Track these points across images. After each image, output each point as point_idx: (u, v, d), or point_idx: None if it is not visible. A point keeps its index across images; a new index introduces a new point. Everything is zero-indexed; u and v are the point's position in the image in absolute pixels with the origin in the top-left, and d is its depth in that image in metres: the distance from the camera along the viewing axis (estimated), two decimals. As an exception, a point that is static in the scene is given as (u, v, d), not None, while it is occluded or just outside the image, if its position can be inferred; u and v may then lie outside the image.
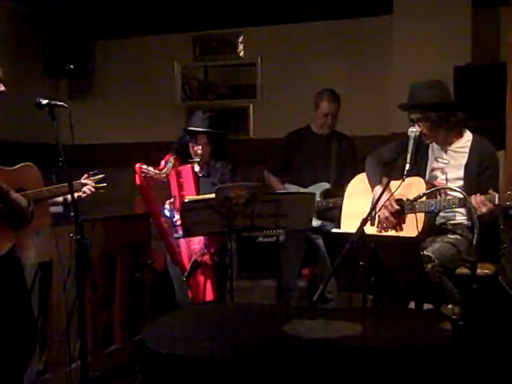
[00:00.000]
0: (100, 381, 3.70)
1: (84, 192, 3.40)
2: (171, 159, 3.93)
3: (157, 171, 3.86)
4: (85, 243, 2.87)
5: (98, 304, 3.81)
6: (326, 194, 4.40)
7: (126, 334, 4.11)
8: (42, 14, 5.54)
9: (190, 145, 4.01)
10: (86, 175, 3.49)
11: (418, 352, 1.99)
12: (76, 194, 3.19)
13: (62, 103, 3.07)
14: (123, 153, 5.84)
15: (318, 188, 4.40)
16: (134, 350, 4.09)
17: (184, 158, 4.00)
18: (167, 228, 3.80)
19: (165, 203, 3.90)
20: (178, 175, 3.97)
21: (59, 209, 3.58)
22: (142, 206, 4.89)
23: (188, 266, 3.80)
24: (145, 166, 3.81)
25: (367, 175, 3.71)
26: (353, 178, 4.03)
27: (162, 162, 3.92)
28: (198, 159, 3.99)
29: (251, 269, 4.87)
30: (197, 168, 4.04)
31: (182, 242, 3.83)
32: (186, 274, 3.79)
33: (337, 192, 4.31)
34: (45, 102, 3.03)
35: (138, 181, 3.79)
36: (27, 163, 3.12)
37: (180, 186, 3.95)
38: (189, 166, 4.01)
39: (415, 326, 2.29)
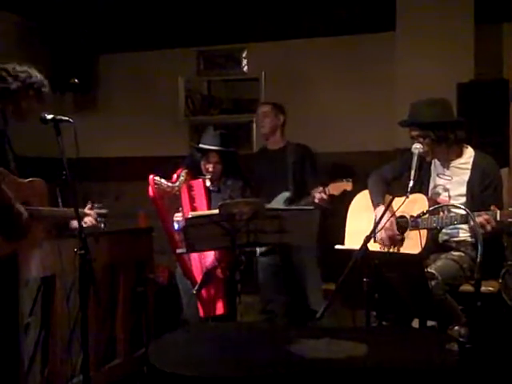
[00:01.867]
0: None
1: (85, 222, 3.36)
2: (183, 173, 3.95)
3: (169, 184, 3.88)
4: (89, 258, 2.86)
5: (101, 318, 3.80)
6: (289, 202, 4.46)
7: (128, 349, 4.09)
8: (48, 29, 5.57)
9: (202, 162, 4.03)
10: (89, 205, 3.45)
11: (424, 374, 1.97)
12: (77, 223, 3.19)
13: (67, 118, 3.08)
14: (126, 167, 5.86)
15: (280, 199, 4.45)
16: (136, 365, 4.07)
17: (196, 173, 4.02)
18: (179, 240, 3.80)
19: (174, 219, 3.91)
20: (190, 189, 4.00)
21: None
22: (145, 220, 4.92)
23: (199, 279, 3.80)
24: (158, 178, 3.83)
25: (370, 193, 3.72)
26: (314, 182, 4.29)
27: (174, 176, 3.95)
28: (210, 176, 4.01)
29: (253, 284, 4.86)
30: (208, 183, 4.06)
31: (194, 254, 3.84)
32: (196, 286, 3.78)
33: (298, 199, 4.42)
34: (50, 116, 3.04)
35: (151, 192, 3.81)
36: (37, 178, 3.10)
37: (191, 199, 3.97)
38: (200, 180, 4.03)
39: (421, 347, 2.27)
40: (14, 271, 2.99)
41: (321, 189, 4.20)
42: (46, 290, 3.43)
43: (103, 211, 3.49)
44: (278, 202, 4.41)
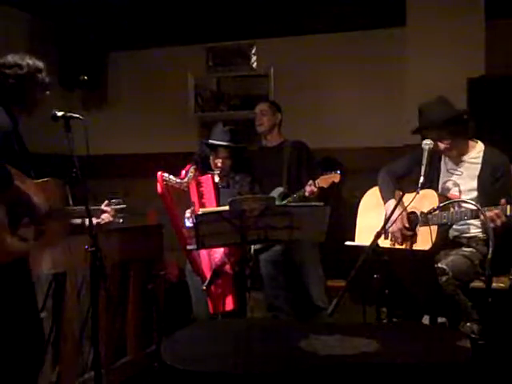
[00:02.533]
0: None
1: (103, 219, 3.33)
2: (192, 169, 3.96)
3: (178, 180, 3.88)
4: (100, 256, 2.87)
5: (112, 315, 3.81)
6: (284, 197, 4.48)
7: (139, 345, 4.11)
8: (57, 26, 5.58)
9: (211, 158, 4.04)
10: (106, 202, 3.39)
11: (436, 370, 1.97)
12: (95, 220, 3.18)
13: (78, 115, 3.07)
14: (136, 164, 5.87)
15: (274, 194, 4.46)
16: (146, 362, 4.09)
17: (204, 168, 4.03)
18: (188, 236, 3.81)
19: (185, 213, 3.90)
20: (199, 185, 4.01)
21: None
22: (155, 217, 4.93)
23: (208, 275, 3.80)
24: (166, 175, 3.84)
25: (380, 189, 3.72)
26: (308, 176, 4.33)
27: (183, 172, 3.95)
28: (218, 171, 4.02)
29: (262, 280, 4.86)
30: (217, 179, 4.06)
31: (203, 251, 3.84)
32: (206, 283, 3.79)
33: (293, 193, 4.44)
34: (60, 113, 3.03)
35: (159, 189, 3.82)
36: (54, 178, 3.09)
37: (200, 195, 3.97)
38: (209, 175, 4.03)
39: (433, 344, 2.27)
40: (26, 267, 3.00)
41: (311, 182, 4.27)
42: (57, 286, 3.45)
43: (121, 206, 3.45)
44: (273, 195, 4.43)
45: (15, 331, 2.87)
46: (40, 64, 3.03)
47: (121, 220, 3.42)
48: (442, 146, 3.46)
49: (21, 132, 3.06)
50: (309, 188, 4.27)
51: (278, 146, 4.80)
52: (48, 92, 3.08)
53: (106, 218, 3.32)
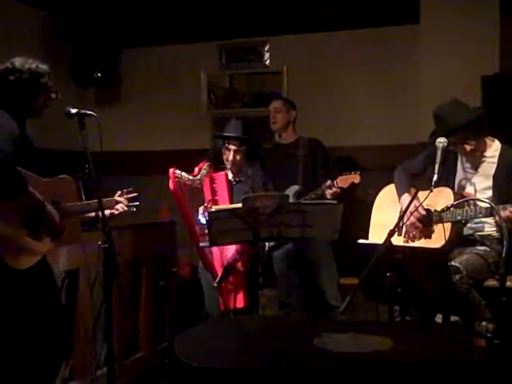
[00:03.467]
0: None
1: (117, 209, 3.35)
2: (205, 166, 3.96)
3: (190, 177, 3.89)
4: (113, 252, 2.88)
5: (124, 312, 3.82)
6: (299, 195, 4.45)
7: (151, 342, 4.12)
8: (71, 23, 5.60)
9: (223, 151, 4.04)
10: (119, 192, 3.44)
11: (451, 369, 1.96)
12: (109, 211, 3.21)
13: (92, 112, 3.08)
14: (149, 161, 5.87)
15: (289, 192, 4.43)
16: (158, 358, 4.10)
17: (218, 165, 4.03)
18: (200, 233, 3.81)
19: (198, 210, 3.91)
20: (212, 182, 4.01)
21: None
22: (167, 214, 4.94)
23: (220, 272, 3.81)
24: (178, 171, 3.84)
25: (395, 186, 3.72)
26: (325, 176, 4.29)
27: (196, 169, 3.96)
28: (230, 165, 4.02)
29: (275, 278, 4.86)
30: (230, 175, 4.07)
31: (215, 248, 3.84)
32: (217, 279, 3.79)
33: (308, 192, 4.41)
34: (74, 110, 3.04)
35: (171, 185, 3.82)
36: (65, 176, 3.10)
37: (213, 192, 3.98)
38: (222, 173, 4.04)
39: (448, 342, 2.25)
40: (46, 264, 3.02)
41: (330, 182, 4.23)
42: (70, 283, 3.46)
43: (133, 194, 3.47)
44: (288, 193, 4.40)
45: (43, 327, 2.89)
46: (43, 68, 3.01)
47: (134, 208, 3.45)
48: (468, 148, 3.44)
49: (28, 133, 3.06)
50: (330, 190, 4.22)
51: (293, 144, 4.77)
52: (54, 95, 3.08)
53: (120, 207, 3.35)
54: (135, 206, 3.47)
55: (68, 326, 3.12)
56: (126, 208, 3.38)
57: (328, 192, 4.25)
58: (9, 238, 2.73)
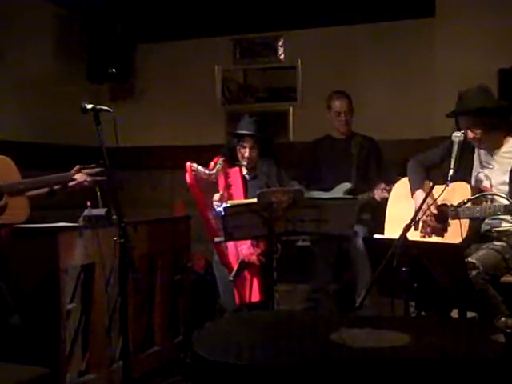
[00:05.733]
0: (141, 381, 3.72)
1: (75, 179, 3.39)
2: (220, 161, 3.97)
3: (206, 171, 3.90)
4: (129, 246, 2.89)
5: (139, 306, 3.84)
6: (349, 193, 4.40)
7: (166, 336, 4.13)
8: (85, 19, 5.62)
9: (237, 148, 4.05)
10: (77, 166, 3.45)
11: (470, 364, 1.94)
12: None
13: (107, 108, 3.10)
14: (163, 156, 5.89)
15: (340, 189, 4.41)
16: (173, 353, 4.11)
17: (232, 162, 4.04)
18: (216, 227, 3.82)
19: (213, 197, 3.92)
20: (227, 176, 4.03)
21: (101, 211, 3.63)
22: (182, 209, 4.95)
23: (235, 266, 3.82)
24: (195, 165, 3.86)
25: (409, 180, 3.69)
26: (377, 177, 4.17)
27: (212, 163, 3.97)
28: (245, 163, 4.03)
29: (290, 272, 4.87)
30: (244, 171, 4.08)
31: (230, 242, 3.85)
32: (233, 273, 3.80)
33: (360, 191, 4.37)
34: (90, 106, 3.05)
35: (188, 179, 3.84)
36: (1, 156, 3.14)
37: (228, 187, 3.99)
38: (237, 168, 4.05)
39: (466, 338, 2.24)
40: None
41: (383, 186, 4.13)
42: (85, 277, 3.48)
43: (96, 170, 3.46)
44: (338, 192, 4.38)
45: None
46: None
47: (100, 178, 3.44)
48: (470, 134, 3.39)
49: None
50: (381, 193, 4.15)
51: (347, 139, 4.68)
52: None
53: (78, 177, 3.39)
54: (98, 174, 3.44)
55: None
56: (86, 178, 3.40)
57: (378, 195, 4.17)
58: None
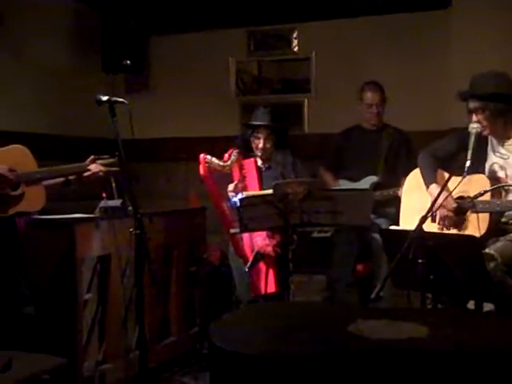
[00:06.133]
0: (157, 371, 3.74)
1: (90, 170, 3.38)
2: (235, 153, 3.98)
3: (221, 163, 3.91)
4: (144, 238, 2.90)
5: (155, 297, 3.86)
6: (375, 188, 4.37)
7: (182, 327, 4.15)
8: (100, 11, 5.63)
9: (252, 139, 4.06)
10: (92, 157, 3.45)
11: (489, 356, 1.93)
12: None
13: (122, 99, 3.11)
14: (178, 147, 5.90)
15: (366, 182, 4.38)
16: (189, 343, 4.13)
17: (247, 153, 4.05)
18: (231, 218, 3.82)
19: (227, 188, 3.92)
20: (241, 168, 4.03)
21: (117, 203, 3.65)
22: (196, 200, 4.97)
23: (251, 257, 3.82)
24: (209, 157, 3.87)
25: (422, 173, 3.65)
26: (406, 172, 4.03)
27: (226, 155, 3.98)
28: (260, 153, 4.03)
29: (305, 263, 4.87)
30: (259, 162, 4.08)
31: (245, 233, 3.86)
32: (248, 265, 3.81)
33: (387, 185, 4.32)
34: (105, 98, 3.06)
35: (201, 171, 3.85)
36: (17, 145, 3.15)
37: (243, 178, 4.00)
38: (252, 159, 4.05)
39: (483, 330, 2.23)
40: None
41: None
42: (102, 268, 3.50)
43: (109, 160, 3.44)
44: (364, 184, 4.35)
45: None
46: None
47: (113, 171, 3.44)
48: (473, 118, 3.36)
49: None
50: None
51: (378, 130, 4.61)
52: None
53: (93, 168, 3.38)
54: (112, 165, 3.43)
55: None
56: (101, 168, 3.39)
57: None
58: None
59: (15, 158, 3.11)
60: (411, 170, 4.08)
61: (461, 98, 3.47)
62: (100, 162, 3.45)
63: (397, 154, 4.54)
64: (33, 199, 3.10)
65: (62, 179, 3.35)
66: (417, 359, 1.94)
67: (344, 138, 4.72)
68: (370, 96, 4.58)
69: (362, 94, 4.63)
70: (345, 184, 4.47)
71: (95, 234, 3.38)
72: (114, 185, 3.75)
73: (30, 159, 3.17)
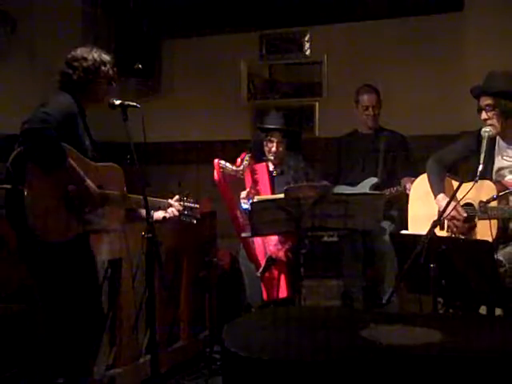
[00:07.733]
0: (167, 375, 3.74)
1: (168, 213, 3.31)
2: (247, 157, 3.98)
3: (234, 168, 3.92)
4: (156, 242, 2.90)
5: (165, 301, 3.86)
6: (375, 188, 4.37)
7: (192, 331, 4.15)
8: (112, 15, 5.65)
9: (264, 143, 4.06)
10: (177, 197, 3.38)
11: (504, 361, 1.91)
12: (162, 214, 3.25)
13: (135, 103, 3.12)
14: (189, 151, 5.90)
15: (366, 184, 4.38)
16: (199, 347, 4.13)
17: (259, 157, 4.04)
18: (243, 223, 3.82)
19: (240, 195, 3.92)
20: (253, 172, 4.04)
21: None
22: (208, 204, 4.96)
23: (263, 262, 3.82)
24: (223, 162, 3.88)
25: (429, 180, 3.61)
26: (404, 173, 4.14)
27: (238, 160, 3.98)
28: (273, 157, 4.03)
29: (315, 268, 4.85)
30: (271, 166, 4.08)
31: (257, 238, 3.86)
32: (260, 269, 3.81)
33: (386, 187, 4.32)
34: (118, 102, 3.08)
35: (216, 176, 3.86)
36: (113, 164, 3.13)
37: (255, 183, 4.00)
38: (263, 164, 4.05)
39: (497, 335, 2.21)
40: (88, 250, 3.05)
41: (413, 179, 4.01)
42: (112, 272, 3.50)
43: (192, 205, 3.43)
44: (364, 187, 4.35)
45: (75, 306, 2.93)
46: (106, 57, 3.13)
47: (189, 219, 3.40)
48: (483, 115, 3.34)
49: (87, 121, 3.12)
50: (411, 185, 4.00)
51: (374, 134, 4.63)
52: (114, 84, 3.14)
53: (171, 212, 3.31)
54: (191, 217, 3.41)
55: (99, 310, 3.12)
56: (176, 213, 3.32)
57: (409, 187, 4.05)
58: (46, 210, 2.76)
59: (108, 176, 3.06)
60: (409, 171, 4.08)
61: (473, 93, 3.45)
62: (185, 204, 3.39)
63: (394, 156, 4.56)
64: (113, 219, 3.09)
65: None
66: (432, 365, 1.92)
67: (341, 143, 4.75)
68: (366, 98, 4.61)
69: (357, 97, 4.67)
70: (343, 190, 4.44)
71: (106, 239, 3.38)
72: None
73: (121, 181, 3.13)
